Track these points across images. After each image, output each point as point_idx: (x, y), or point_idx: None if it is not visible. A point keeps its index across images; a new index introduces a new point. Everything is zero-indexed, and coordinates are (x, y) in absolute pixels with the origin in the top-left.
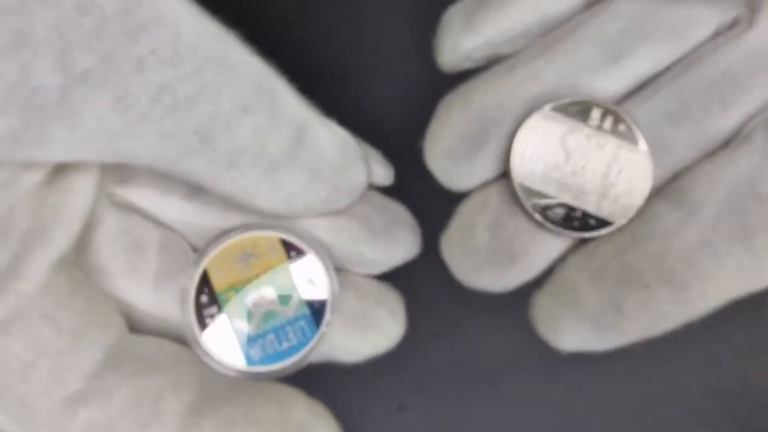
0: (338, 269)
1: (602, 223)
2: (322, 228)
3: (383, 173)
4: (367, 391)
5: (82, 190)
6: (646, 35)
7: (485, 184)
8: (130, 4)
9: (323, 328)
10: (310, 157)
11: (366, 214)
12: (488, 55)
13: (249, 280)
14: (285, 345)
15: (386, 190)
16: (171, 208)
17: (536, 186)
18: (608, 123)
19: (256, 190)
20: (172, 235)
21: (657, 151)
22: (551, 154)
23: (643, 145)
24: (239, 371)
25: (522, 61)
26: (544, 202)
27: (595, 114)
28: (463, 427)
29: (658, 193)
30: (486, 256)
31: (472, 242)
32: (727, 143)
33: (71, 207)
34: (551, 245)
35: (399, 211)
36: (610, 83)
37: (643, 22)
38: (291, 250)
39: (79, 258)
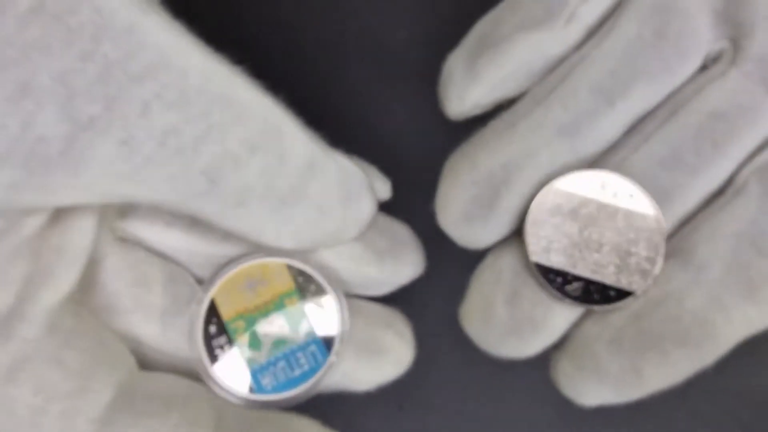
0: (345, 294)
1: (622, 293)
2: (327, 252)
3: (381, 188)
4: (367, 391)
5: (83, 228)
6: (638, 74)
7: (495, 254)
8: (134, 49)
9: (336, 351)
10: (318, 192)
11: (370, 237)
12: (495, 100)
13: (257, 308)
14: (297, 372)
15: (387, 205)
16: (174, 238)
17: (552, 263)
18: (616, 191)
19: (263, 227)
20: (177, 269)
21: (657, 200)
22: (564, 229)
23: (652, 209)
24: (251, 401)
25: (521, 114)
26: (560, 278)
27: (601, 184)
28: (463, 428)
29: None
30: (507, 329)
31: (492, 316)
32: (722, 191)
33: (73, 246)
34: (570, 312)
35: (402, 231)
36: (609, 127)
37: (633, 61)
38: (299, 276)
39: (84, 296)
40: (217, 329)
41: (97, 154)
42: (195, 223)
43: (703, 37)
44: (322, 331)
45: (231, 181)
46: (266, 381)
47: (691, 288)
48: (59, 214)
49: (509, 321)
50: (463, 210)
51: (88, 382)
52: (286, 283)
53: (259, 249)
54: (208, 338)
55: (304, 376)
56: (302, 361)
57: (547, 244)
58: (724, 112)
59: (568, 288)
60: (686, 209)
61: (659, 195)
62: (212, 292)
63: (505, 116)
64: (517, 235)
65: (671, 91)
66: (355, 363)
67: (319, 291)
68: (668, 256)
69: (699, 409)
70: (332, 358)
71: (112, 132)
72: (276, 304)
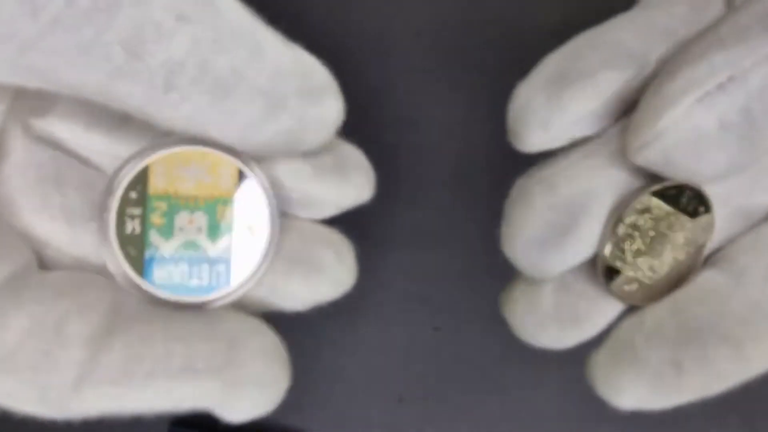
0: (282, 213)
1: None
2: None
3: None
4: (367, 383)
5: None
6: None
7: None
8: None
9: (240, 284)
10: (269, 81)
11: None
12: (570, 139)
13: (187, 199)
14: (194, 282)
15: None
16: (97, 141)
17: (612, 263)
18: (682, 199)
19: (205, 119)
20: (97, 174)
21: None
22: (629, 232)
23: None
24: (136, 286)
25: (601, 141)
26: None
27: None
28: (463, 420)
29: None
30: (551, 318)
31: (538, 303)
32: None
33: None
34: (612, 309)
35: (350, 150)
36: None
37: None
38: (244, 187)
39: None
40: (137, 197)
41: None
42: (120, 125)
43: None
44: (238, 257)
45: (155, 55)
46: (158, 275)
47: (733, 291)
48: None
49: (554, 309)
50: (537, 236)
51: None
52: (230, 189)
53: (222, 143)
54: (124, 203)
55: (199, 291)
56: (204, 274)
57: (616, 241)
58: None
59: (626, 288)
60: (731, 234)
61: None
62: (153, 156)
63: (582, 143)
64: None
65: None
66: (284, 278)
67: (258, 215)
68: (710, 266)
69: (702, 402)
70: (231, 287)
71: None
72: (208, 205)
